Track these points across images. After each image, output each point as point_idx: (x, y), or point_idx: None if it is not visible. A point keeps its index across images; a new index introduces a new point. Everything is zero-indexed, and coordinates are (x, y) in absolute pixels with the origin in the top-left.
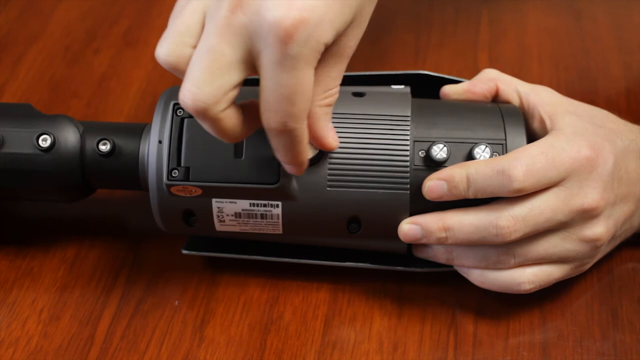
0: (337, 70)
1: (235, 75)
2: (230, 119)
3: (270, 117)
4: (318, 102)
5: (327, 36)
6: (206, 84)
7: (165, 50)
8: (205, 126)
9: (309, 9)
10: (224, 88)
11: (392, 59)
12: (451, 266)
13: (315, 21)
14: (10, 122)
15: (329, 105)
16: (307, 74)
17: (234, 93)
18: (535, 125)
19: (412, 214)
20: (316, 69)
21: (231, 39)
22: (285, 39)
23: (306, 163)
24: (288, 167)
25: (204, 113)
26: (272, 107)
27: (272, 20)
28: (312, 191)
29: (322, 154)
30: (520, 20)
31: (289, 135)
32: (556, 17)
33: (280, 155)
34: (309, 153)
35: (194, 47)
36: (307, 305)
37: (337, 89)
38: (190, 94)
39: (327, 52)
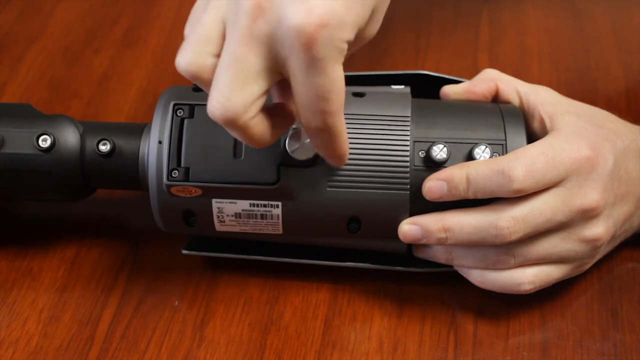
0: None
1: (262, 84)
2: (259, 125)
3: (309, 118)
4: None
5: (349, 35)
6: (235, 93)
7: (187, 59)
8: (235, 134)
9: (328, 12)
10: (253, 97)
11: (392, 59)
12: (451, 266)
13: (336, 22)
14: (10, 122)
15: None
16: (337, 71)
17: (261, 101)
18: (535, 125)
19: (412, 214)
20: None
21: (255, 48)
22: (309, 44)
23: (347, 152)
24: (331, 160)
25: (234, 123)
26: (310, 109)
27: (294, 27)
28: (312, 191)
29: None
30: (520, 20)
31: (329, 131)
32: (556, 17)
33: (322, 150)
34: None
35: (216, 56)
36: (307, 305)
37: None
38: (219, 104)
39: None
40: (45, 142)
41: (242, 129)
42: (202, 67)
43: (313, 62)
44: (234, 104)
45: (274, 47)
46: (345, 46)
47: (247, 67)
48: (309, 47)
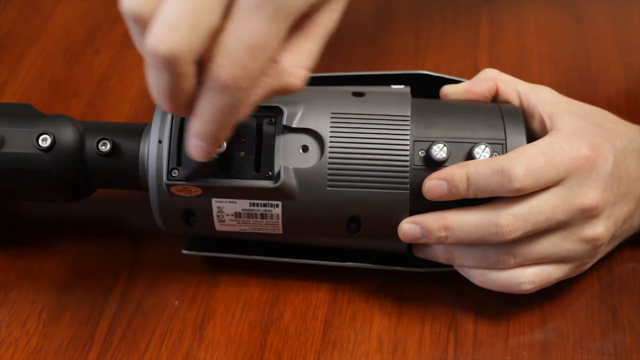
0: (312, 46)
1: (215, 16)
2: (191, 77)
3: (223, 66)
4: (277, 73)
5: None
6: (184, 25)
7: None
8: (164, 81)
9: None
10: (204, 31)
11: (392, 59)
12: (451, 266)
13: None
14: (10, 122)
15: (287, 85)
16: (280, 31)
17: (207, 41)
18: (535, 125)
19: (412, 214)
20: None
21: None
22: None
23: (217, 147)
24: (197, 144)
25: (175, 62)
26: (229, 55)
27: None
28: (312, 191)
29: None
30: (520, 20)
31: (230, 97)
32: (556, 17)
33: (201, 121)
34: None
35: None
36: (307, 305)
37: (307, 69)
38: (164, 36)
39: (298, 26)
40: (45, 141)
41: (179, 74)
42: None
43: (267, 4)
44: (183, 37)
45: None
46: (300, 11)
47: None
48: None
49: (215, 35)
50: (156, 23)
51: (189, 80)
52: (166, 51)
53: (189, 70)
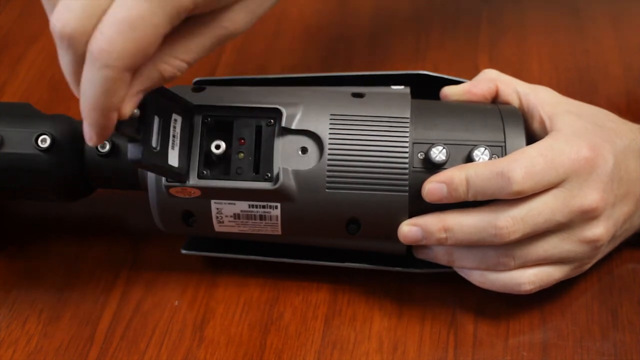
0: (200, 44)
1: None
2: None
3: (94, 38)
4: (154, 62)
5: None
6: (77, 6)
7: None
8: (66, 61)
9: None
10: (95, 11)
11: (392, 59)
12: (451, 267)
13: None
14: (10, 121)
15: (162, 73)
16: (155, 14)
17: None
18: (535, 125)
19: (411, 216)
20: (177, 30)
21: None
22: None
23: (102, 132)
24: (86, 128)
25: (71, 39)
26: (101, 28)
27: None
28: (311, 192)
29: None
30: (520, 20)
31: (101, 72)
32: (556, 17)
33: (82, 100)
34: (113, 119)
35: None
36: (307, 305)
37: (182, 64)
38: (61, 16)
39: (199, 20)
40: (44, 141)
41: (78, 56)
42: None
43: None
44: (77, 16)
45: None
46: (187, 5)
47: None
48: None
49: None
50: (57, 5)
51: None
52: (61, 29)
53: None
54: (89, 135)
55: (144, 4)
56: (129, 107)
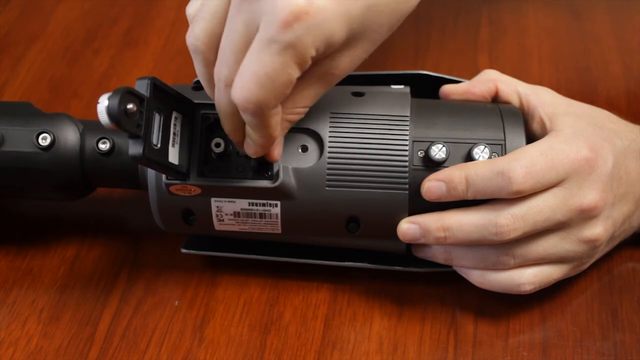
0: (313, 91)
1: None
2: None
3: (236, 88)
4: (284, 114)
5: (321, 41)
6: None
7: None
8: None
9: (318, 7)
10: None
11: (392, 59)
12: (451, 266)
13: (318, 20)
14: (10, 120)
15: (289, 121)
16: (287, 67)
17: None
18: (535, 126)
19: (411, 214)
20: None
21: (243, 15)
22: (285, 24)
23: (271, 148)
24: (258, 148)
25: (228, 87)
26: (242, 80)
27: (282, 3)
28: (311, 191)
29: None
30: (520, 20)
31: (248, 116)
32: (556, 17)
33: (249, 133)
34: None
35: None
36: (307, 305)
37: (304, 109)
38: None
39: (312, 69)
40: (45, 140)
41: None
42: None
43: (275, 41)
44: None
45: (257, 16)
46: (312, 51)
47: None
48: (283, 27)
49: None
50: (217, 59)
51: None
52: (223, 80)
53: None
54: (260, 153)
55: (275, 57)
56: (277, 153)
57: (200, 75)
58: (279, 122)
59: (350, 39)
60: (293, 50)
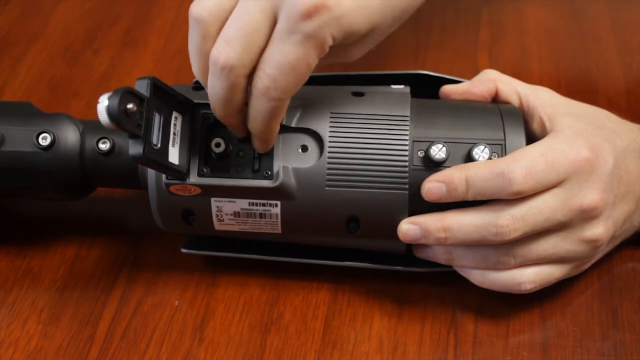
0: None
1: (262, 37)
2: (241, 88)
3: (259, 77)
4: None
5: (339, 32)
6: (237, 42)
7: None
8: (219, 88)
9: (339, 2)
10: (252, 48)
11: (392, 59)
12: (451, 266)
13: (337, 13)
14: (11, 120)
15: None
16: (309, 56)
17: (255, 57)
18: (535, 126)
19: (411, 214)
20: None
21: (261, 1)
22: (305, 15)
23: (272, 142)
24: (255, 141)
25: (229, 71)
26: (265, 69)
27: None
28: (311, 190)
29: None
30: (520, 20)
31: (267, 103)
32: (556, 17)
33: (252, 122)
34: (276, 132)
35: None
36: (307, 305)
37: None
38: (222, 49)
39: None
40: (45, 140)
41: (232, 85)
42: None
43: (296, 31)
44: (237, 51)
45: (277, 6)
46: (330, 41)
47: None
48: (303, 18)
49: (261, 53)
50: (219, 38)
51: (239, 90)
52: (223, 61)
53: (241, 81)
54: (262, 148)
55: (296, 47)
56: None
57: (193, 47)
58: (284, 114)
59: (369, 32)
60: (313, 41)
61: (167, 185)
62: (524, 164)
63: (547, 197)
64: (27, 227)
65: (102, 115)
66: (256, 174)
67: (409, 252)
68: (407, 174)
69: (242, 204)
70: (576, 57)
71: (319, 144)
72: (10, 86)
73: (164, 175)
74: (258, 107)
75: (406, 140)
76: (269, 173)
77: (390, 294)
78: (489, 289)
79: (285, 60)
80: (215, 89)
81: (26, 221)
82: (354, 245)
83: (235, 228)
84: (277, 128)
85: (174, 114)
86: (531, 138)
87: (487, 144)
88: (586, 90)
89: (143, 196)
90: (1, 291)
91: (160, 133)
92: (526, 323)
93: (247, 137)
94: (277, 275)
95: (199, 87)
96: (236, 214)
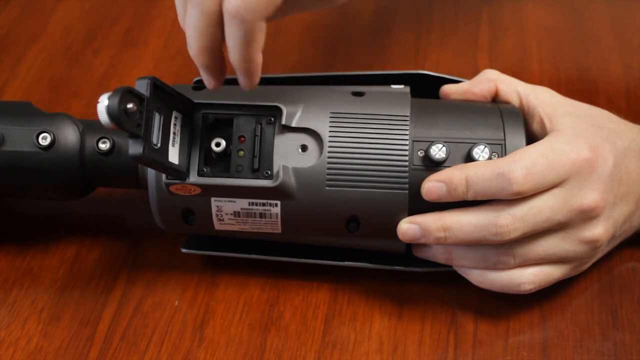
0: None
1: None
2: (216, 21)
3: (229, 0)
4: None
5: None
6: None
7: None
8: (195, 19)
9: None
10: None
11: (392, 59)
12: (451, 266)
13: None
14: (11, 120)
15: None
16: None
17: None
18: (535, 126)
19: (411, 214)
20: None
21: None
22: None
23: (256, 76)
24: (239, 76)
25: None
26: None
27: None
28: (311, 190)
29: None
30: (520, 20)
31: (240, 26)
32: (556, 17)
33: (230, 52)
34: (259, 64)
35: None
36: (307, 305)
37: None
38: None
39: None
40: (45, 140)
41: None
42: None
43: None
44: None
45: None
46: None
47: None
48: None
49: None
50: None
51: (213, 19)
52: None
53: (213, 7)
54: (246, 82)
55: None
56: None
57: None
58: (262, 42)
59: None
60: None
61: (167, 185)
62: (524, 164)
63: (547, 197)
64: (27, 227)
65: (102, 115)
66: (256, 173)
67: (409, 252)
68: (407, 174)
69: (242, 203)
70: (576, 57)
71: (318, 144)
72: (10, 86)
73: (164, 175)
74: (232, 34)
75: (406, 140)
76: (269, 173)
77: (390, 294)
78: (489, 289)
79: None
80: (191, 20)
81: (26, 221)
82: (354, 245)
83: (235, 228)
84: (258, 58)
85: (174, 113)
86: (531, 138)
87: (487, 143)
88: (586, 90)
89: (143, 196)
90: (1, 291)
91: (160, 133)
92: (526, 323)
93: (247, 137)
94: (277, 275)
95: (199, 87)
96: (236, 214)
